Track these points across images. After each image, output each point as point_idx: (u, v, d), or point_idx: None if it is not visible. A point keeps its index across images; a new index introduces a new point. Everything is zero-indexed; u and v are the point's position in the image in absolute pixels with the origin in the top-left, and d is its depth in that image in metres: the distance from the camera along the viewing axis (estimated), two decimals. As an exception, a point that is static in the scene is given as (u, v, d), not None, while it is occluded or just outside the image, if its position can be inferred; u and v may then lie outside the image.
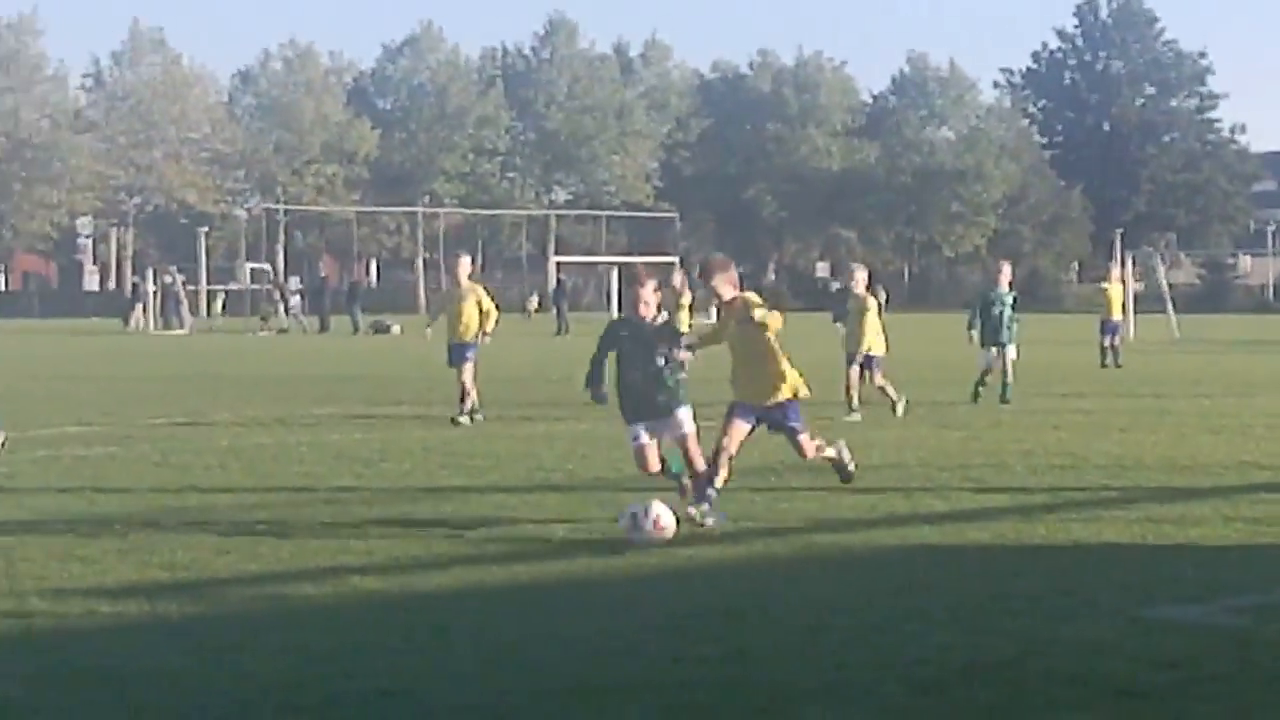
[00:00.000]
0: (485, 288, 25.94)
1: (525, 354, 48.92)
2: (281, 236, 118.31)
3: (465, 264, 26.19)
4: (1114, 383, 34.14)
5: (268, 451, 20.69)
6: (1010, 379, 28.18)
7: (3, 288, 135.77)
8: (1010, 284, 29.36)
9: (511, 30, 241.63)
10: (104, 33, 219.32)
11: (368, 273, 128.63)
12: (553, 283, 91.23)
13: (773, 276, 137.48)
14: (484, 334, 25.16)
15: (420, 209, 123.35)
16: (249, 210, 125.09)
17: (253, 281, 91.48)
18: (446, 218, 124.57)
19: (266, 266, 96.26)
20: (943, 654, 9.24)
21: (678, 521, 13.19)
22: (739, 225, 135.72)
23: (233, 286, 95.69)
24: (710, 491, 14.01)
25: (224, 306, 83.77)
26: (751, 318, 14.24)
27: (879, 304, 26.84)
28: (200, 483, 17.37)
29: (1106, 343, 40.03)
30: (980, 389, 28.33)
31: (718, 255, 15.64)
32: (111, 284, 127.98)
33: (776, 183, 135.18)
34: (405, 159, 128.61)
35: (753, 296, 14.72)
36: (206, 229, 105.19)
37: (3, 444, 19.97)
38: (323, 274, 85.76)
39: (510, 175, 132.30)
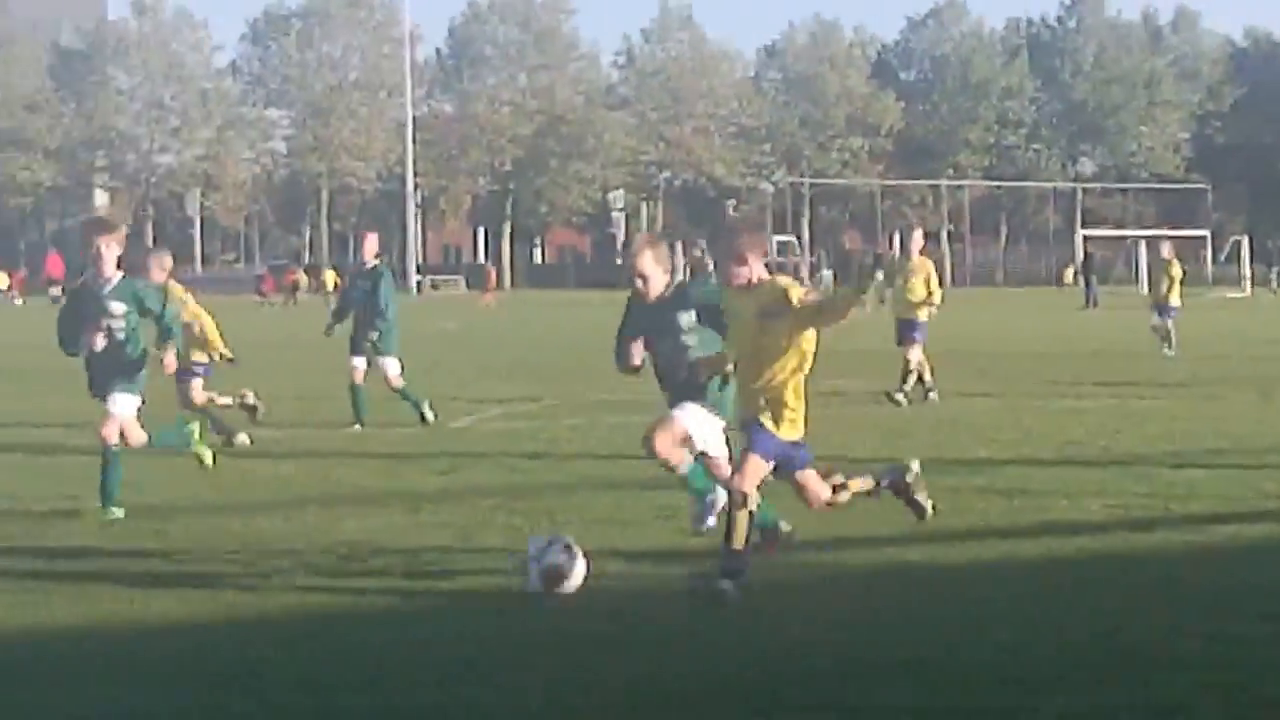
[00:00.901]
0: (937, 265, 25.22)
1: (1052, 327, 48.39)
2: (806, 210, 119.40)
3: (918, 238, 25.73)
4: None
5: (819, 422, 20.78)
6: None
7: (540, 260, 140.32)
8: None
9: (1036, 0, 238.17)
10: (634, 11, 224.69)
11: (890, 246, 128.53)
12: (1079, 256, 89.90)
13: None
14: (931, 308, 24.45)
15: (944, 181, 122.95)
16: (774, 184, 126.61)
17: (779, 254, 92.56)
18: (970, 190, 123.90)
19: (792, 239, 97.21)
20: None
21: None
22: (1275, 197, 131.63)
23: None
24: (738, 566, 10.26)
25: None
26: (790, 305, 10.48)
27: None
28: (731, 450, 17.63)
29: None
30: None
31: (743, 220, 11.31)
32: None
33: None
34: (928, 131, 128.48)
35: (783, 280, 10.82)
36: (733, 202, 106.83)
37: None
38: (847, 246, 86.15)
39: (1035, 147, 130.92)
